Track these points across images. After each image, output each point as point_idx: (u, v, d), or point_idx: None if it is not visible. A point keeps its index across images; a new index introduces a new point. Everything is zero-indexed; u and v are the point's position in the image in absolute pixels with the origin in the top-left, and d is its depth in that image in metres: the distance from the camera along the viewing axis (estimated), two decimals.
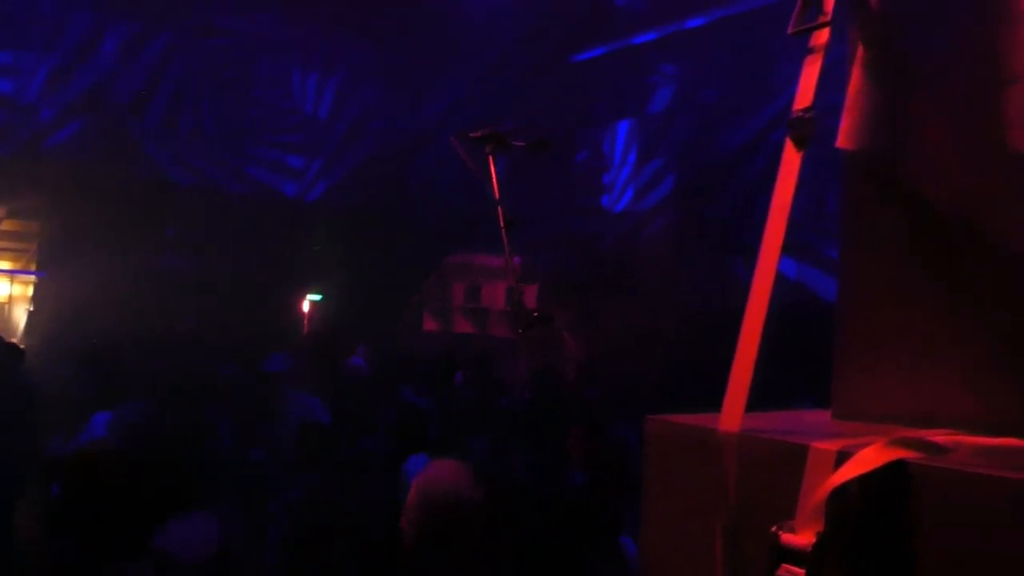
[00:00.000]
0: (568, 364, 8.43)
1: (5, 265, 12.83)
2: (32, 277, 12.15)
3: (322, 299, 12.64)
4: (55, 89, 11.27)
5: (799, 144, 1.12)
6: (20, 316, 12.29)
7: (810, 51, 1.19)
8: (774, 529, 0.88)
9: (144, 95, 11.55)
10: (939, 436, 0.85)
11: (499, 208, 2.06)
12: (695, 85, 11.84)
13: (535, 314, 2.03)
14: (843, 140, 1.17)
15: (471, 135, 2.10)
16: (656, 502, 1.10)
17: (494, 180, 2.06)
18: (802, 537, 0.85)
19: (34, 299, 11.96)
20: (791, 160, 1.12)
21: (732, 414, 1.01)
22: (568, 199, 12.90)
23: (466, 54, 12.32)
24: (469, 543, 2.00)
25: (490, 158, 2.07)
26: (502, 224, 2.09)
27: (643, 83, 12.75)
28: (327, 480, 2.89)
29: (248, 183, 12.71)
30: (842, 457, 0.87)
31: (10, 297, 12.81)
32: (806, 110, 1.14)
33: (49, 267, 11.41)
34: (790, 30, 1.21)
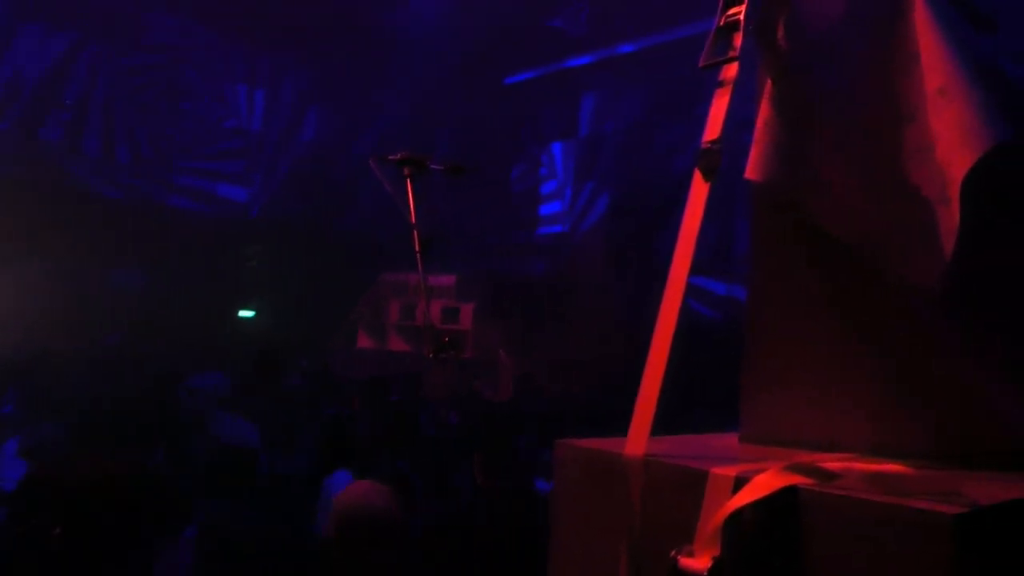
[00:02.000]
0: (503, 382, 8.43)
1: None
2: None
3: (255, 315, 12.40)
4: None
5: (707, 175, 1.15)
6: None
7: (720, 84, 1.22)
8: (673, 553, 0.89)
9: (70, 106, 11.22)
10: (832, 463, 0.88)
11: (414, 231, 2.06)
12: (635, 108, 12.04)
13: (446, 338, 2.03)
14: (751, 172, 1.20)
15: (389, 157, 2.10)
16: (564, 525, 1.11)
17: (411, 203, 2.06)
18: (699, 561, 0.87)
19: None
20: (699, 190, 1.15)
21: (637, 439, 1.03)
22: (506, 219, 12.96)
23: (403, 73, 12.33)
24: (388, 559, 2.01)
25: (408, 181, 2.08)
26: (417, 247, 2.10)
27: (583, 106, 12.92)
28: (241, 504, 2.83)
29: (180, 197, 12.44)
30: (739, 482, 0.89)
31: None
32: (714, 142, 1.17)
33: None
34: (701, 63, 1.24)
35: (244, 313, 12.42)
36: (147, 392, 5.19)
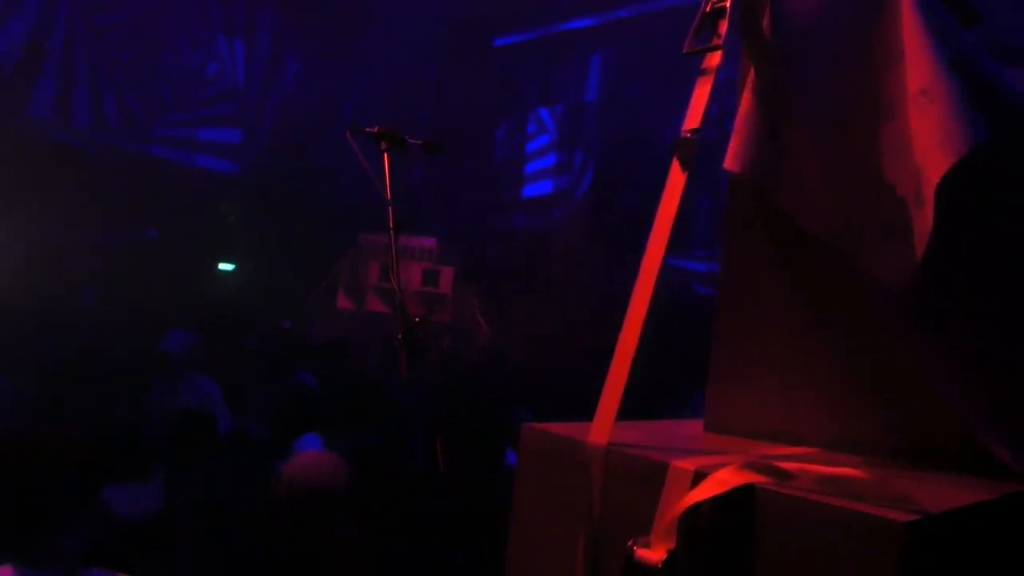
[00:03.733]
0: (477, 348, 8.43)
1: None
2: None
3: (235, 269, 12.32)
4: None
5: (684, 165, 1.14)
6: None
7: (702, 72, 1.21)
8: (630, 544, 0.90)
9: (42, 51, 10.94)
10: (790, 462, 0.89)
11: (389, 208, 2.02)
12: (626, 75, 11.93)
13: (416, 319, 2.01)
14: (729, 162, 1.20)
15: (366, 130, 2.05)
16: (525, 509, 1.12)
17: (387, 179, 2.02)
18: (655, 553, 0.88)
19: None
20: (676, 180, 1.14)
21: (602, 426, 1.03)
22: (490, 184, 12.87)
23: (391, 34, 12.14)
24: (332, 532, 1.98)
25: (385, 155, 2.04)
26: (391, 225, 2.06)
27: (573, 70, 12.79)
28: (196, 466, 2.84)
29: (168, 148, 12.25)
30: (698, 477, 0.90)
31: None
32: (694, 131, 1.16)
33: None
34: (685, 49, 1.23)
35: (224, 266, 12.34)
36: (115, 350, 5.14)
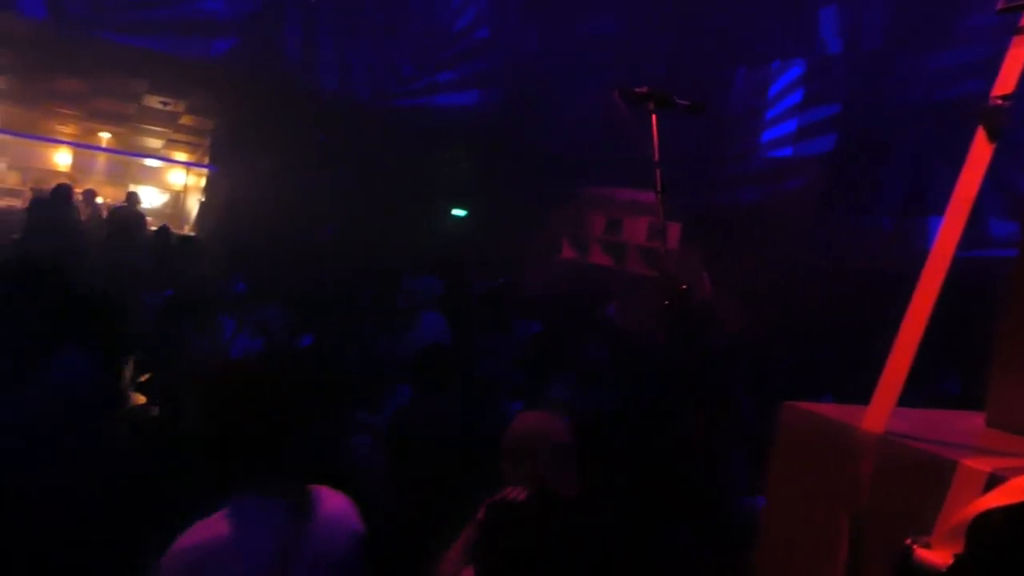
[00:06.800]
0: (700, 307, 8.21)
1: (182, 157, 13.80)
2: (205, 170, 12.99)
3: (467, 215, 12.87)
4: None
5: (992, 135, 1.04)
6: (193, 205, 13.24)
7: (1018, 31, 1.08)
8: (908, 541, 0.85)
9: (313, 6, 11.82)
10: None
11: (657, 171, 1.96)
12: (869, 30, 10.97)
13: (683, 287, 1.96)
14: None
15: (636, 90, 2.00)
16: (784, 487, 1.09)
17: (655, 139, 1.96)
18: (939, 555, 0.82)
19: (206, 190, 12.83)
20: (981, 152, 1.04)
21: (879, 414, 0.98)
22: (720, 139, 12.37)
23: None
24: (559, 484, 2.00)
25: (653, 116, 1.98)
26: (658, 188, 2.00)
27: (812, 23, 11.93)
28: (439, 396, 3.00)
29: (405, 102, 12.92)
30: (993, 480, 0.83)
31: (185, 187, 13.83)
32: (1005, 98, 1.04)
33: (221, 161, 12.12)
34: (999, 6, 1.10)
35: (457, 212, 12.93)
36: (364, 285, 5.54)
